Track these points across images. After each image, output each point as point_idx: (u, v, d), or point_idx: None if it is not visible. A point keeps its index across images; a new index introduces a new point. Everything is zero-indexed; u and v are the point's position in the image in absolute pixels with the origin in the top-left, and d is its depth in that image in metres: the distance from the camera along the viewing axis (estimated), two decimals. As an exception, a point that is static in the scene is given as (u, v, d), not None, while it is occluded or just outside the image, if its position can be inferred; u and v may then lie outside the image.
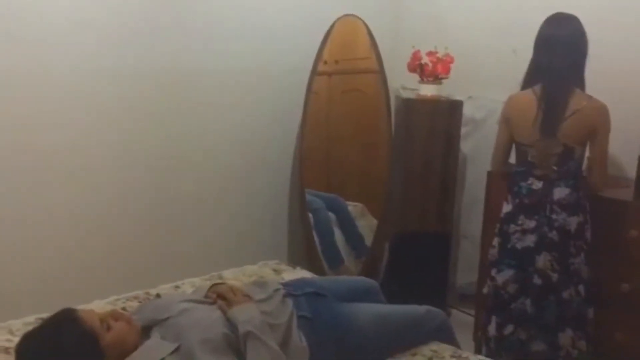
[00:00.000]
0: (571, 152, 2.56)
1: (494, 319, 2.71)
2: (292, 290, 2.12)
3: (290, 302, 2.03)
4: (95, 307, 2.15)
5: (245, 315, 1.85)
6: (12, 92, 2.54)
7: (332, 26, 3.34)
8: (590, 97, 2.54)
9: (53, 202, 2.71)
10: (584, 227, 2.60)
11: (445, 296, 3.55)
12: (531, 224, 2.60)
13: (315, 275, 2.69)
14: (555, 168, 2.57)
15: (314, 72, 3.36)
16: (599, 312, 2.66)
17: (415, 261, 3.43)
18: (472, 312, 3.30)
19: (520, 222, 2.62)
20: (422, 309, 2.23)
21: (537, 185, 2.60)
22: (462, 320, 3.42)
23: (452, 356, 2.09)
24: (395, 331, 2.11)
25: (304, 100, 3.35)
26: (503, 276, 2.67)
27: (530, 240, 2.60)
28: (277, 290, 2.08)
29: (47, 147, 2.66)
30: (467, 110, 3.48)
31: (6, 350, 1.93)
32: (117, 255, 2.92)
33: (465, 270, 3.61)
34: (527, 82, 2.63)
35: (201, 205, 3.21)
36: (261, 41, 3.27)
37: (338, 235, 3.62)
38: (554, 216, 2.57)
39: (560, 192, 2.57)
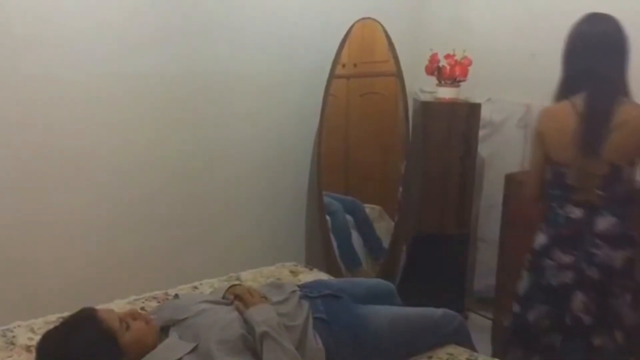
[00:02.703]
0: (618, 172, 2.17)
1: (519, 352, 2.42)
2: (309, 292, 2.13)
3: (306, 303, 2.04)
4: (115, 306, 2.19)
5: (262, 316, 1.86)
6: (35, 96, 2.58)
7: (350, 29, 3.35)
8: None
9: (75, 203, 2.76)
10: (632, 264, 2.21)
11: (463, 299, 3.53)
12: (568, 259, 2.23)
13: (331, 277, 2.70)
14: (599, 192, 2.18)
15: (332, 75, 3.37)
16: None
17: (433, 264, 3.42)
18: (490, 315, 3.28)
19: (555, 257, 2.26)
20: (438, 311, 2.22)
21: (577, 213, 2.22)
22: (480, 323, 3.41)
23: (468, 359, 2.08)
24: (411, 333, 2.11)
25: (322, 103, 3.37)
26: (535, 313, 2.33)
27: (566, 276, 2.24)
28: (293, 292, 2.09)
29: (71, 150, 2.70)
30: (486, 113, 3.47)
31: (28, 348, 1.98)
32: (137, 256, 2.96)
33: (483, 274, 3.60)
34: (563, 93, 2.25)
35: (219, 207, 3.24)
36: (279, 45, 3.29)
37: (356, 238, 3.63)
38: (594, 250, 2.19)
39: (603, 222, 2.19)
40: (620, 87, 2.18)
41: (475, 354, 2.15)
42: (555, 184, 2.28)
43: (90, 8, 2.66)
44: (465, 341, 2.22)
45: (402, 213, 3.65)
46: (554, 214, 2.28)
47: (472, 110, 3.39)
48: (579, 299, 2.22)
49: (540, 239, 2.33)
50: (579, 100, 2.18)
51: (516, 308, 2.39)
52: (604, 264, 2.18)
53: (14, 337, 2.07)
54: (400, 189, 3.66)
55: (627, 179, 2.19)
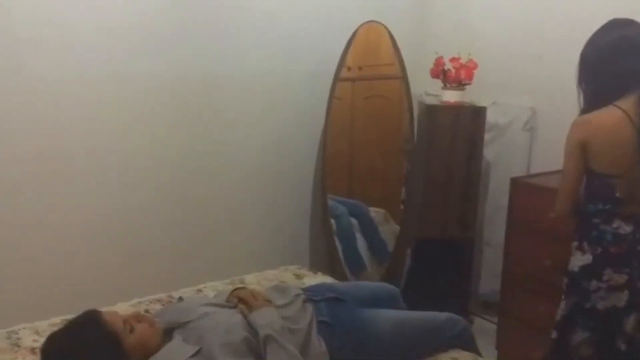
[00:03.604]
0: None
1: None
2: (313, 295, 2.13)
3: (310, 307, 2.04)
4: (119, 309, 2.19)
5: (266, 319, 1.86)
6: (41, 98, 2.60)
7: (355, 32, 3.36)
8: None
9: (80, 205, 2.77)
10: None
11: (467, 303, 3.53)
12: (621, 279, 2.08)
13: (335, 281, 2.70)
14: None
15: (337, 78, 3.37)
16: None
17: (438, 268, 3.42)
18: (495, 319, 3.27)
19: (606, 277, 2.09)
20: (442, 315, 2.22)
21: (626, 229, 2.08)
22: (485, 328, 3.40)
23: (472, 363, 2.08)
24: (415, 337, 2.10)
25: (327, 106, 3.37)
26: (576, 338, 2.20)
27: (618, 298, 2.09)
28: (297, 295, 2.09)
29: (75, 152, 2.72)
30: (491, 116, 3.46)
31: (33, 350, 1.99)
32: (142, 259, 2.97)
33: (488, 278, 3.59)
34: (604, 96, 2.09)
35: (224, 210, 3.25)
36: (285, 48, 3.30)
37: (360, 241, 3.62)
38: None
39: None
40: None
41: (480, 358, 2.14)
42: (599, 197, 2.12)
43: (96, 11, 2.67)
44: (470, 345, 2.21)
45: (407, 216, 3.64)
46: (598, 230, 2.11)
47: (478, 113, 3.38)
48: (635, 320, 2.10)
49: (581, 259, 2.15)
50: (628, 105, 2.04)
51: (554, 334, 2.24)
52: None
53: (18, 339, 2.08)
54: (405, 191, 3.65)
55: None
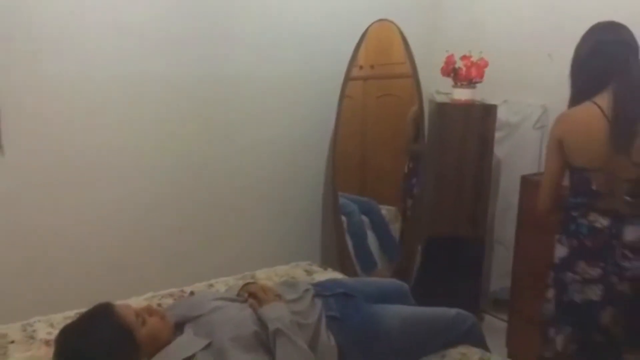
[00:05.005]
0: None
1: None
2: (322, 290, 2.15)
3: (319, 302, 2.05)
4: (132, 302, 2.22)
5: (275, 313, 1.88)
6: (54, 97, 2.64)
7: (366, 31, 3.37)
8: None
9: (95, 202, 2.81)
10: None
11: (478, 301, 3.52)
12: (595, 272, 2.09)
13: (345, 276, 2.72)
14: (628, 199, 2.03)
15: (349, 77, 3.39)
16: None
17: (448, 266, 3.42)
18: (505, 317, 3.27)
19: (579, 270, 2.11)
20: (451, 311, 2.22)
21: (602, 222, 2.07)
22: (495, 325, 3.40)
23: (481, 358, 2.08)
24: (423, 333, 2.11)
25: (339, 104, 3.38)
26: (562, 337, 2.21)
27: (593, 292, 2.10)
28: (307, 290, 2.11)
29: (90, 150, 2.76)
30: (502, 115, 3.46)
31: (47, 342, 2.02)
32: (155, 254, 3.01)
33: (499, 276, 3.59)
34: (583, 95, 2.13)
35: (236, 207, 3.27)
36: (296, 47, 3.32)
37: (371, 239, 3.64)
38: (625, 263, 2.03)
39: (633, 232, 2.04)
40: None
41: (488, 353, 2.14)
42: (577, 191, 2.13)
43: (109, 12, 2.71)
44: (479, 342, 2.21)
45: (418, 214, 3.65)
46: (576, 223, 2.13)
47: (488, 111, 3.37)
48: (610, 314, 2.09)
49: (559, 251, 2.18)
50: (603, 100, 2.07)
51: (552, 332, 2.24)
52: (636, 278, 2.04)
53: (34, 331, 2.12)
54: (415, 190, 3.66)
55: None
